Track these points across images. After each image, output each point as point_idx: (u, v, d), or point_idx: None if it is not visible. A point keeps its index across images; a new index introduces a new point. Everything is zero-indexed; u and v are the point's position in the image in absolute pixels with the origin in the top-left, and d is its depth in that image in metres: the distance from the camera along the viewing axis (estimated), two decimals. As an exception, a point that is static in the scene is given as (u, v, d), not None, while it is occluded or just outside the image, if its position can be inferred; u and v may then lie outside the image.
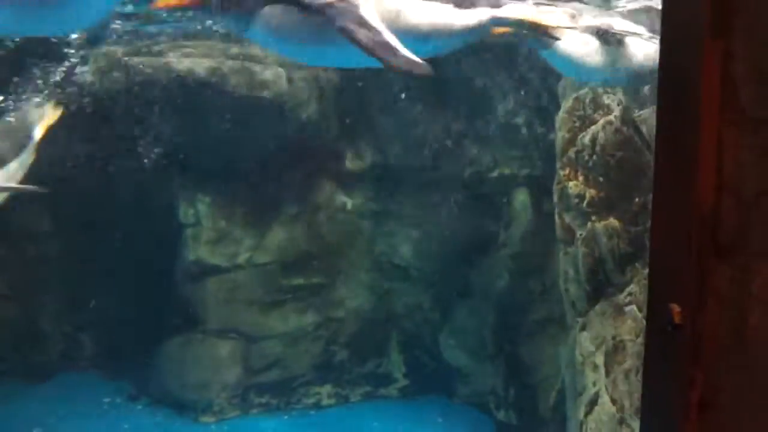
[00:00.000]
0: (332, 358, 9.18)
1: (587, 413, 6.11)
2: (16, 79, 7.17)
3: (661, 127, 1.40)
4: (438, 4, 4.43)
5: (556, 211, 6.79)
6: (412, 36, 4.32)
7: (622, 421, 5.78)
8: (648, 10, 5.74)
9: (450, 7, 4.49)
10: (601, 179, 6.33)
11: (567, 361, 6.84)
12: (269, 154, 8.51)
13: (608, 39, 5.34)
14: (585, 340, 6.28)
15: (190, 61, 8.30)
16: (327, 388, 9.12)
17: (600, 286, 6.33)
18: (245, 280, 8.81)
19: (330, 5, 4.02)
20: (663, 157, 1.41)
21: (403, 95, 8.65)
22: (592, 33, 5.32)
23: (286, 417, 8.91)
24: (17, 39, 6.95)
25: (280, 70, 8.50)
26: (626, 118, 6.22)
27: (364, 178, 8.94)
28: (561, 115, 6.76)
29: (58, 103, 6.92)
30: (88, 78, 8.32)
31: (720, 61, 1.29)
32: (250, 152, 8.46)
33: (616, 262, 6.21)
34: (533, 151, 8.34)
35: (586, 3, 5.77)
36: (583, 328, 6.37)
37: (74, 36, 6.96)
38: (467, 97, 8.55)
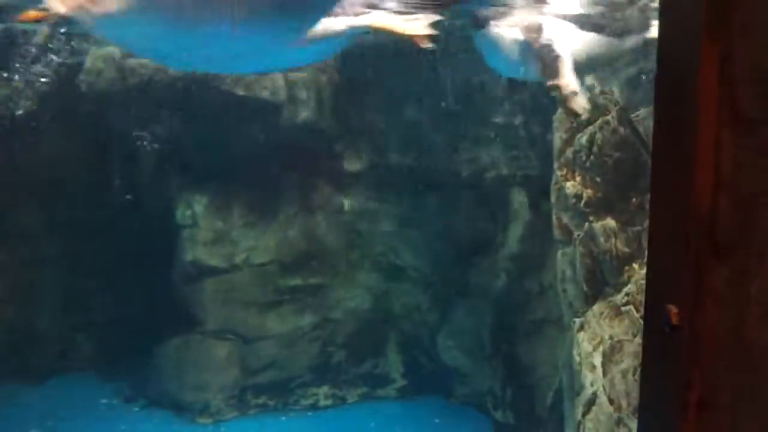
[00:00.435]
0: (330, 359, 9.17)
1: (585, 413, 6.11)
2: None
3: (659, 128, 1.39)
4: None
5: (554, 211, 6.79)
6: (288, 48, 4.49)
7: (619, 421, 5.78)
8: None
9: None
10: (598, 179, 6.33)
11: (565, 361, 6.84)
12: (267, 154, 8.50)
13: (537, 37, 5.41)
14: (583, 341, 6.28)
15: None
16: (324, 389, 9.11)
17: (598, 286, 6.33)
18: (243, 281, 8.80)
19: None
20: (660, 158, 1.41)
21: (400, 97, 8.65)
22: (522, 31, 5.40)
23: (283, 418, 8.89)
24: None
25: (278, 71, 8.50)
26: (623, 119, 6.22)
27: (361, 178, 8.93)
28: (558, 115, 6.76)
29: None
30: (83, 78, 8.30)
31: (717, 61, 1.29)
32: (247, 153, 8.45)
33: (613, 262, 6.21)
34: (530, 151, 8.34)
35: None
36: (581, 328, 6.37)
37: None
38: (464, 98, 8.54)
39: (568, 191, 6.47)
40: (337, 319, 9.12)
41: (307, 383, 9.08)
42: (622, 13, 6.02)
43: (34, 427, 8.21)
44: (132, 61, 8.29)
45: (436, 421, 8.79)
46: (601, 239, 6.23)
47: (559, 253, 6.87)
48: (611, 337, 6.08)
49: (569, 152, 6.51)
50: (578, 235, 6.46)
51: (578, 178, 6.41)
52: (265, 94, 8.37)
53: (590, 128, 6.35)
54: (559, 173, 6.60)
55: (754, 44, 1.29)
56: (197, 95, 8.27)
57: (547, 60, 5.31)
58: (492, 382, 8.61)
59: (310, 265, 8.94)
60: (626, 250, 6.16)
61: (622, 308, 6.12)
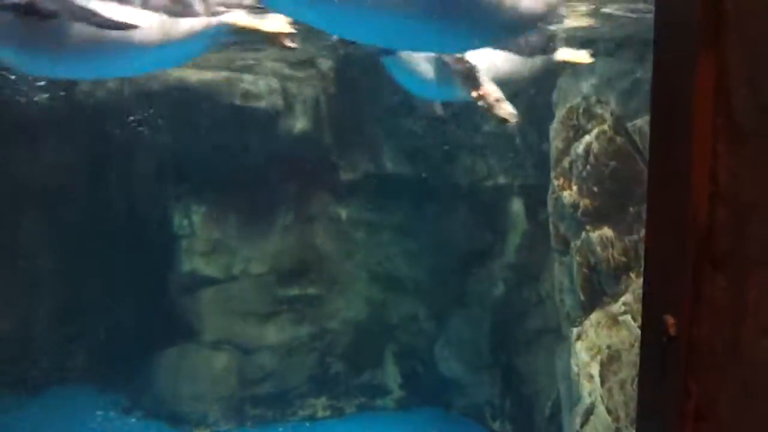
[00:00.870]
0: (327, 369, 9.14)
1: (583, 423, 6.09)
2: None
3: (655, 137, 1.40)
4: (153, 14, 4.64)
5: (551, 220, 6.80)
6: (149, 48, 4.60)
7: (618, 432, 5.77)
8: None
9: (165, 17, 4.72)
10: (595, 189, 6.34)
11: (563, 371, 6.83)
12: (264, 164, 8.50)
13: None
14: (580, 350, 6.27)
15: (184, 71, 8.30)
16: (322, 400, 9.08)
17: (595, 295, 6.33)
18: (240, 291, 8.78)
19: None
20: (657, 167, 1.41)
21: (396, 106, 8.66)
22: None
23: (281, 429, 8.86)
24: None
25: (275, 81, 8.51)
26: (619, 128, 6.24)
27: (358, 188, 8.94)
28: (555, 125, 6.77)
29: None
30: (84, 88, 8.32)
31: (713, 72, 1.29)
32: (244, 163, 8.46)
33: (610, 271, 6.21)
34: (528, 160, 8.36)
35: None
36: (579, 338, 6.36)
37: None
38: (461, 107, 8.56)
39: (565, 200, 6.48)
40: (335, 329, 9.10)
41: (305, 394, 9.05)
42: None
43: (30, 439, 8.17)
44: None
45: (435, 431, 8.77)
46: (598, 248, 6.23)
47: (557, 262, 6.88)
48: (609, 347, 6.08)
49: (566, 161, 6.52)
50: (575, 245, 6.46)
51: (575, 188, 6.42)
52: (263, 104, 8.38)
53: (587, 137, 6.37)
54: (555, 182, 6.61)
55: (749, 56, 1.29)
56: (195, 105, 8.28)
57: (463, 72, 5.32)
58: (490, 392, 8.59)
59: (308, 275, 8.92)
60: (623, 259, 6.17)
61: (620, 318, 6.11)
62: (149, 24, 4.56)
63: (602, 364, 6.07)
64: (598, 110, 6.41)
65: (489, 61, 5.56)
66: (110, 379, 9.05)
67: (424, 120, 8.71)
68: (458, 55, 5.35)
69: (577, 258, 6.40)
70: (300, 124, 8.59)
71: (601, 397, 5.96)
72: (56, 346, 9.28)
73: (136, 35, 4.47)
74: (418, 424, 8.89)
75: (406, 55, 5.33)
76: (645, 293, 1.50)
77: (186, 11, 4.76)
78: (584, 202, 6.37)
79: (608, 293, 6.27)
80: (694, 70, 1.29)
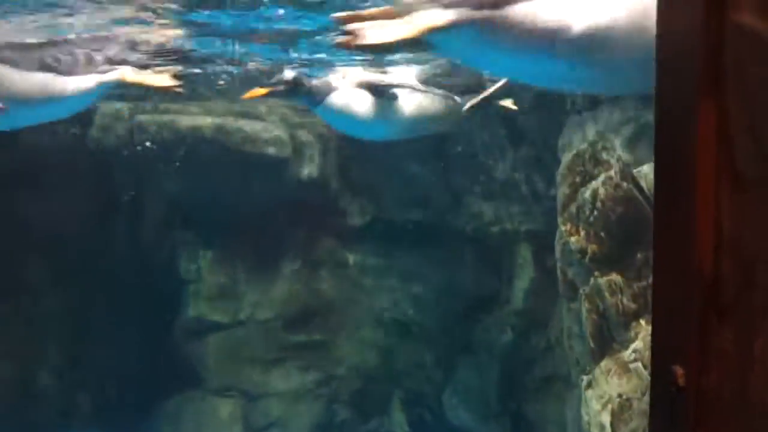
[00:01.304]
0: (334, 417, 9.02)
1: (594, 474, 5.96)
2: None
3: (659, 187, 1.41)
4: (41, 74, 4.94)
5: (559, 266, 6.77)
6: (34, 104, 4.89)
7: (630, 483, 5.64)
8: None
9: (52, 75, 5.03)
10: (602, 234, 6.32)
11: (573, 419, 6.72)
12: (271, 209, 8.55)
13: (380, 92, 5.45)
14: (590, 399, 6.17)
15: (193, 118, 8.42)
16: (328, 448, 8.95)
17: (604, 342, 6.26)
18: (246, 337, 8.73)
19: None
20: (661, 217, 1.41)
21: (403, 151, 8.73)
22: (363, 87, 5.44)
23: (286, 478, 8.71)
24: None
25: (283, 127, 8.61)
26: (626, 174, 6.25)
27: (365, 233, 8.95)
28: (561, 170, 6.79)
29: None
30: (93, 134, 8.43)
31: (714, 121, 1.30)
32: (252, 208, 8.50)
33: (620, 318, 6.15)
34: (534, 206, 8.37)
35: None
36: (589, 386, 6.27)
37: None
38: (468, 152, 8.62)
39: (572, 246, 6.46)
40: (342, 375, 9.01)
41: (311, 442, 8.92)
42: (457, 78, 6.19)
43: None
44: (141, 117, 8.44)
45: (442, 481, 8.60)
46: (607, 294, 6.18)
47: (565, 308, 6.82)
48: (620, 395, 5.98)
49: (573, 207, 6.52)
50: (584, 291, 6.42)
51: (582, 233, 6.41)
52: (271, 150, 8.47)
53: (593, 183, 6.38)
54: (563, 228, 6.60)
55: (749, 104, 1.31)
56: (203, 151, 8.37)
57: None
58: (499, 441, 8.45)
59: (314, 320, 8.88)
60: (632, 305, 6.11)
61: (630, 365, 6.03)
62: (35, 81, 4.85)
63: (613, 414, 5.97)
64: (605, 156, 6.43)
65: (414, 100, 5.66)
66: (115, 425, 8.95)
67: (431, 165, 8.77)
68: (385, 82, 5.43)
69: (586, 304, 6.35)
70: (308, 169, 8.66)
71: (612, 446, 5.85)
72: (61, 392, 9.21)
73: (19, 91, 4.76)
74: (426, 473, 8.73)
75: (334, 99, 5.41)
76: (653, 343, 1.49)
77: (74, 69, 5.04)
78: (592, 248, 6.35)
79: (618, 340, 6.20)
80: (695, 119, 1.31)
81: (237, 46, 6.07)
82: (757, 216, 1.28)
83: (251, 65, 6.79)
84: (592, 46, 3.51)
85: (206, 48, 6.15)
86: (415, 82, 5.85)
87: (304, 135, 8.67)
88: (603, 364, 6.20)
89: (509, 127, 8.43)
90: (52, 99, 5.13)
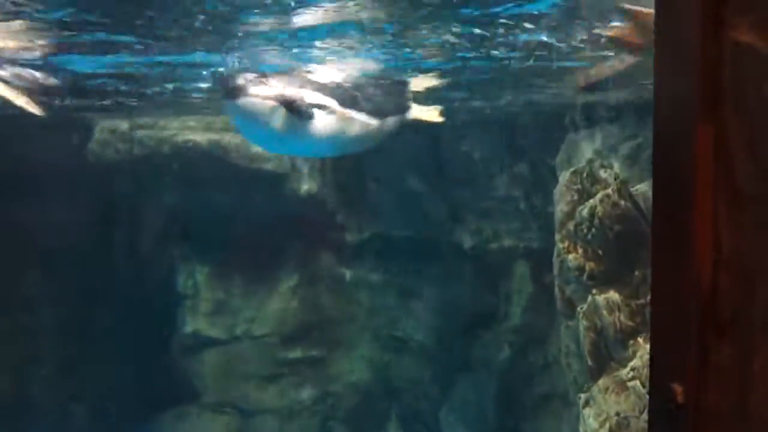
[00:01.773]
0: (330, 433, 8.97)
1: (592, 493, 5.92)
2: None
3: (657, 205, 1.41)
4: None
5: (556, 283, 6.76)
6: None
7: (628, 502, 5.60)
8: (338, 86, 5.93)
9: None
10: (600, 252, 6.32)
11: (570, 438, 6.68)
12: (269, 225, 8.54)
13: (297, 110, 5.36)
14: (588, 417, 6.14)
15: (191, 134, 8.43)
16: (324, 466, 8.89)
17: (602, 360, 6.24)
18: (243, 353, 8.70)
19: None
20: (660, 235, 1.42)
21: (401, 168, 8.75)
22: (280, 102, 5.33)
23: (281, 496, 8.64)
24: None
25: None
26: (624, 192, 6.27)
27: (363, 249, 8.94)
28: (559, 188, 6.81)
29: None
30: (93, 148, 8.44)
31: (712, 140, 1.31)
32: (249, 223, 8.50)
33: (617, 336, 6.14)
34: (532, 223, 8.38)
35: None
36: (587, 403, 6.24)
37: None
38: (466, 170, 8.64)
39: (570, 264, 6.46)
40: (338, 392, 8.96)
41: (307, 459, 8.86)
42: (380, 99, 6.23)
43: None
44: (139, 133, 8.45)
45: (439, 500, 8.53)
46: (605, 312, 6.17)
47: (563, 326, 6.81)
48: (617, 414, 5.95)
49: (571, 224, 6.53)
50: (581, 308, 6.41)
51: (580, 251, 6.41)
52: (269, 165, 8.48)
53: (591, 201, 6.39)
54: (561, 245, 6.60)
55: (748, 122, 1.31)
56: (202, 166, 8.37)
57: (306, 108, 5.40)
58: (496, 459, 8.39)
59: (311, 336, 8.85)
60: (630, 323, 6.10)
61: (628, 383, 6.01)
62: None
63: (611, 431, 5.94)
64: (602, 174, 6.44)
65: (329, 121, 5.65)
66: (109, 441, 8.89)
67: (429, 182, 8.78)
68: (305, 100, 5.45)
69: (584, 322, 6.34)
70: (306, 185, 8.67)
71: (610, 465, 5.81)
72: (56, 405, 9.15)
73: None
74: (423, 492, 8.66)
75: (248, 104, 5.30)
76: (651, 360, 1.49)
77: None
78: (590, 266, 6.35)
79: (616, 358, 6.18)
80: (694, 136, 1.32)
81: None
82: (756, 233, 1.29)
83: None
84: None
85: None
86: (333, 103, 5.72)
87: (302, 151, 8.69)
88: (601, 382, 6.17)
89: (508, 145, 8.45)
90: None
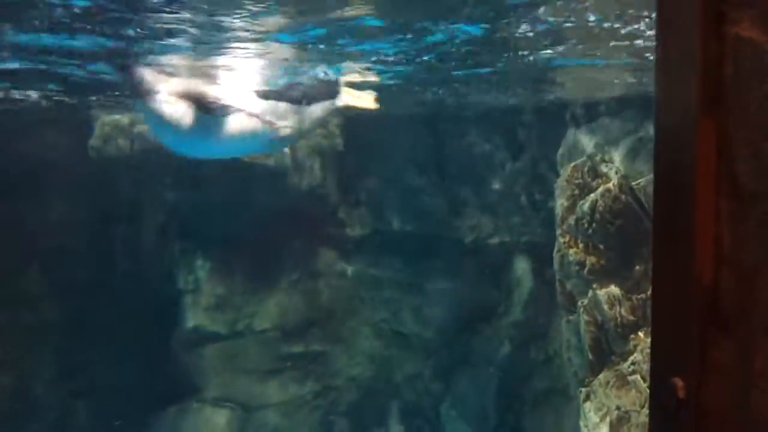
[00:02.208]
0: (331, 428, 8.98)
1: (593, 487, 5.94)
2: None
3: (658, 200, 1.41)
4: None
5: (557, 278, 6.76)
6: None
7: (629, 496, 5.61)
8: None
9: None
10: (601, 247, 6.32)
11: (571, 432, 6.69)
12: (270, 220, 8.54)
13: (208, 109, 5.22)
14: (589, 411, 6.15)
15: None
16: (326, 460, 8.91)
17: (603, 355, 6.24)
18: (244, 348, 8.71)
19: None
20: (660, 230, 1.41)
21: (402, 164, 8.74)
22: (191, 101, 5.18)
23: (283, 490, 8.66)
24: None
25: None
26: (624, 187, 6.26)
27: (364, 244, 8.94)
28: (560, 182, 6.81)
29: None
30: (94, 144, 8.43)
31: (713, 137, 1.31)
32: (251, 219, 8.50)
33: (618, 330, 6.14)
34: (533, 218, 8.37)
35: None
36: (587, 398, 6.25)
37: None
38: (467, 165, 8.63)
39: (571, 258, 6.46)
40: (339, 386, 8.98)
41: (308, 454, 8.88)
42: (304, 86, 6.08)
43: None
44: (139, 128, 8.43)
45: (440, 494, 8.55)
46: (606, 307, 6.18)
47: (564, 320, 6.81)
48: (618, 408, 5.97)
49: (571, 219, 6.53)
50: (582, 303, 6.42)
51: (581, 245, 6.41)
52: (270, 161, 8.47)
53: (592, 196, 6.39)
54: (561, 240, 6.61)
55: (747, 120, 1.31)
56: (203, 161, 8.37)
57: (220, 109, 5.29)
58: (497, 453, 8.40)
59: (312, 331, 8.86)
60: (631, 317, 6.11)
61: (629, 378, 6.02)
62: None
63: (611, 426, 5.95)
64: (603, 168, 6.44)
65: (269, 113, 5.55)
66: (111, 436, 8.91)
67: (430, 177, 8.78)
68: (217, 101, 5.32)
69: (585, 316, 6.34)
70: (307, 181, 8.66)
71: (611, 459, 5.83)
72: (58, 401, 9.16)
73: None
74: (424, 486, 8.68)
75: (159, 108, 5.18)
76: (652, 355, 1.49)
77: None
78: (590, 260, 6.35)
79: (617, 352, 6.19)
80: (695, 133, 1.31)
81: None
82: (758, 229, 1.28)
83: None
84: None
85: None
86: (250, 96, 5.58)
87: (304, 147, 8.68)
88: (602, 376, 6.18)
89: (508, 140, 8.45)
90: None
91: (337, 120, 8.71)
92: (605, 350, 6.24)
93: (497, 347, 8.41)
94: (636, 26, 4.56)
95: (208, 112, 5.30)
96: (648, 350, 5.72)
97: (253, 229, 8.53)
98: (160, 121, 5.25)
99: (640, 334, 6.10)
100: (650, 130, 5.97)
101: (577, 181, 6.57)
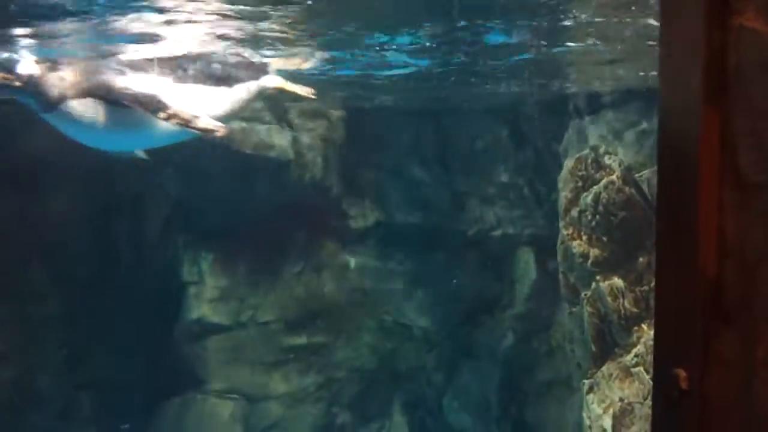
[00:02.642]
0: (334, 419, 9.01)
1: (595, 479, 5.96)
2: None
3: (661, 192, 1.41)
4: None
5: (560, 270, 6.77)
6: None
7: (631, 488, 5.63)
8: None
9: None
10: (604, 239, 6.32)
11: (574, 424, 6.71)
12: (273, 212, 8.55)
13: (115, 101, 5.06)
14: (592, 403, 6.17)
15: (196, 121, 8.41)
16: (329, 451, 8.94)
17: (606, 347, 6.25)
18: (247, 339, 8.73)
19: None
20: (664, 222, 1.41)
21: (405, 155, 8.73)
22: (93, 95, 5.05)
23: (286, 481, 8.70)
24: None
25: (286, 130, 8.62)
26: (628, 178, 6.26)
27: (367, 236, 8.95)
28: (563, 175, 6.80)
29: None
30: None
31: (717, 127, 1.31)
32: (254, 210, 8.50)
33: (622, 322, 6.15)
34: (536, 210, 8.37)
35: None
36: (590, 389, 6.27)
37: None
38: (470, 157, 8.63)
39: (574, 250, 6.46)
40: (342, 378, 9.00)
41: (311, 445, 8.91)
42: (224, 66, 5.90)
43: (32, 489, 8.03)
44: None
45: (443, 485, 8.59)
46: (609, 299, 6.18)
47: (567, 312, 6.82)
48: (621, 400, 5.98)
49: (575, 211, 6.52)
50: (585, 295, 6.42)
51: (584, 238, 6.41)
52: (273, 153, 8.47)
53: (595, 188, 6.39)
54: (564, 232, 6.61)
55: (754, 109, 1.31)
56: (205, 153, 8.37)
57: (145, 102, 5.12)
58: (500, 445, 8.43)
59: (315, 323, 8.87)
60: (634, 310, 6.11)
61: (632, 369, 6.03)
62: None
63: (615, 418, 5.96)
64: (607, 160, 6.44)
65: (190, 99, 5.39)
66: (115, 427, 8.94)
67: (433, 169, 8.77)
68: (129, 89, 5.13)
69: (588, 308, 6.35)
70: (310, 172, 8.66)
71: (614, 451, 5.84)
72: (61, 393, 9.20)
73: None
74: (427, 477, 8.71)
75: (72, 109, 5.06)
76: (656, 347, 1.49)
77: None
78: (594, 252, 6.35)
79: (620, 344, 6.20)
80: (698, 124, 1.31)
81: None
82: (761, 220, 1.28)
83: None
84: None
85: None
86: (154, 90, 5.39)
87: (306, 138, 8.67)
88: (605, 368, 6.19)
89: (511, 132, 8.43)
90: None
91: (338, 113, 8.70)
92: (608, 342, 6.25)
93: (500, 339, 8.42)
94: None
95: (119, 104, 5.14)
96: (651, 342, 5.72)
97: (256, 221, 8.53)
98: (75, 123, 5.16)
99: (644, 326, 6.11)
100: (654, 122, 5.97)
101: (580, 173, 6.56)
